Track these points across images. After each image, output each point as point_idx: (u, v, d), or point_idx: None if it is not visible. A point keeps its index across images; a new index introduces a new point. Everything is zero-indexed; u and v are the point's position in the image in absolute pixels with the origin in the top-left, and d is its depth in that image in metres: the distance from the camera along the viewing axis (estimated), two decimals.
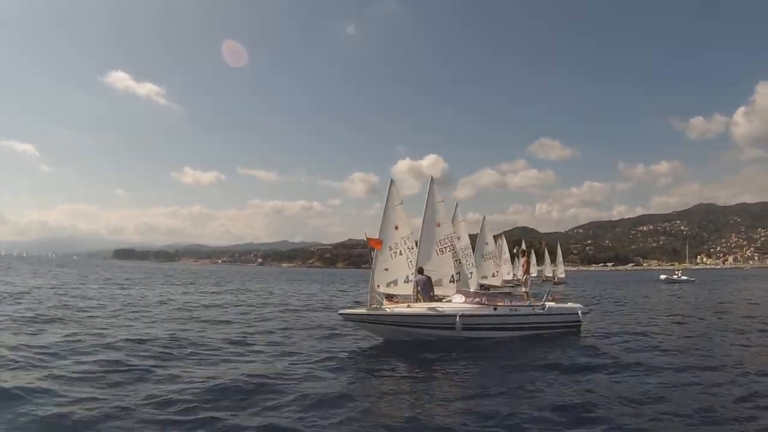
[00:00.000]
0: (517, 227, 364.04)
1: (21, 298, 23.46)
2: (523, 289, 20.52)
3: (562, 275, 67.52)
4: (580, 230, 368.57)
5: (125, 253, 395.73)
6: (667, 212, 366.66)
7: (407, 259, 17.90)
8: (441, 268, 17.67)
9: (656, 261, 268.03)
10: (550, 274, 67.69)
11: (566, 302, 17.66)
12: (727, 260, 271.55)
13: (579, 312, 16.05)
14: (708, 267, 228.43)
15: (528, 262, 21.76)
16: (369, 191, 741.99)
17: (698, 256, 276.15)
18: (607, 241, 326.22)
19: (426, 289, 16.28)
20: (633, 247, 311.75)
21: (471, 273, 22.68)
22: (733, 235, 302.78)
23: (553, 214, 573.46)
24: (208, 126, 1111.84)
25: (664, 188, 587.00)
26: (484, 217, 28.49)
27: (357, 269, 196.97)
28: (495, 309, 14.56)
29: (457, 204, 24.36)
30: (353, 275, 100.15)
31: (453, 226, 22.80)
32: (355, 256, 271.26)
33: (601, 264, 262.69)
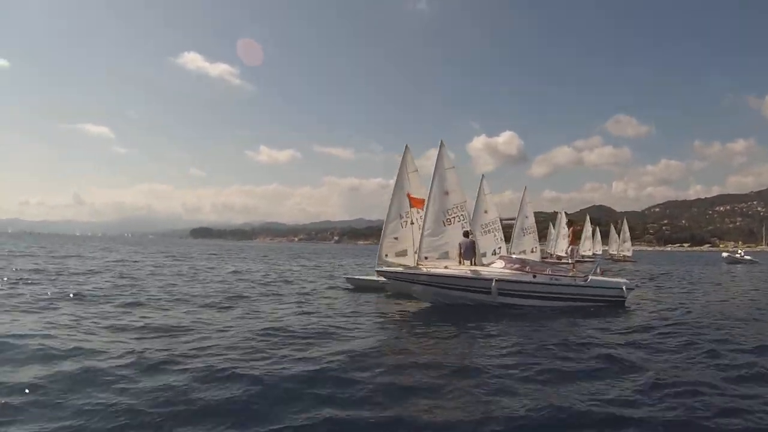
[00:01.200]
0: (594, 205, 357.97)
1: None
2: (570, 261, 20.20)
3: (629, 253, 63.71)
4: (657, 209, 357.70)
5: (202, 232, 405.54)
6: (744, 192, 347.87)
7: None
8: (449, 239, 16.54)
9: (732, 242, 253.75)
10: (617, 252, 63.90)
11: (617, 277, 17.03)
12: None
13: (623, 287, 15.25)
14: None
15: (574, 234, 20.66)
16: None
17: None
18: (683, 221, 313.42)
19: (468, 252, 16.10)
20: (709, 227, 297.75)
21: (499, 248, 22.09)
22: None
23: (629, 193, 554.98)
24: (283, 105, 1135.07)
25: (739, 167, 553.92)
26: (525, 189, 26.70)
27: None
28: (534, 277, 14.33)
29: (483, 176, 23.14)
30: None
31: (483, 201, 21.98)
32: None
33: (678, 244, 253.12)
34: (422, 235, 16.08)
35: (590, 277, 15.38)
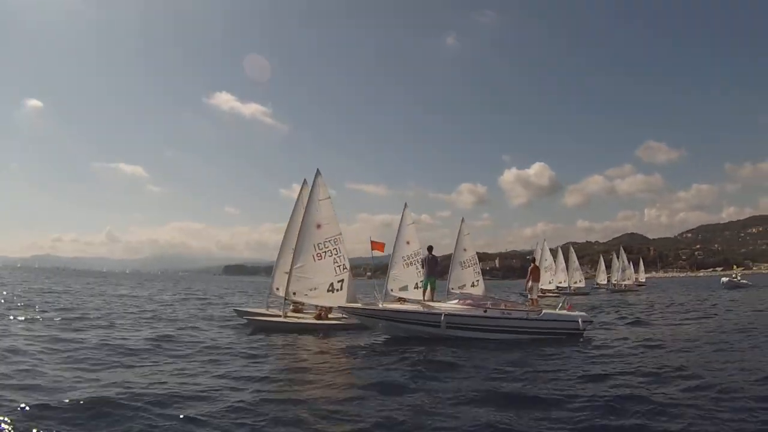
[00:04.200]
0: (626, 233, 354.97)
1: None
2: (530, 296, 20.65)
3: (629, 282, 61.48)
4: (689, 234, 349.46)
5: (235, 269, 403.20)
6: None
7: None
8: (316, 274, 16.19)
9: (767, 264, 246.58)
10: (628, 281, 61.74)
11: (579, 310, 17.06)
12: None
13: (579, 320, 15.39)
14: None
15: (536, 270, 20.11)
16: (477, 202, 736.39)
17: None
18: (716, 245, 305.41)
19: (431, 266, 18.15)
20: (743, 250, 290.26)
21: (422, 281, 21.19)
22: None
23: (662, 219, 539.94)
24: (315, 143, 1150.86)
25: None
26: (462, 221, 25.46)
27: None
28: (485, 311, 14.86)
29: (405, 205, 22.11)
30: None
31: (405, 232, 21.45)
32: None
33: (711, 269, 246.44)
34: (291, 269, 15.41)
35: (543, 311, 15.68)
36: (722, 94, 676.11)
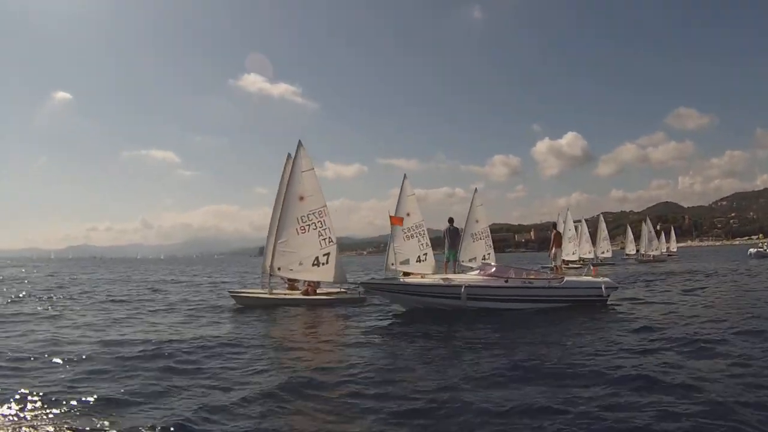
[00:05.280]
0: (660, 203, 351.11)
1: None
2: (553, 263, 20.98)
3: (656, 252, 59.21)
4: (724, 202, 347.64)
5: None
6: None
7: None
8: (301, 248, 15.58)
9: None
10: (656, 251, 59.57)
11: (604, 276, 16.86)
12: None
13: (603, 287, 15.02)
14: None
15: (558, 237, 19.48)
16: (510, 174, 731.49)
17: None
18: (751, 213, 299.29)
19: (453, 238, 18.84)
20: None
21: (425, 255, 20.76)
22: None
23: (695, 187, 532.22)
24: (346, 120, 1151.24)
25: None
26: (475, 191, 24.55)
27: (500, 253, 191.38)
28: (506, 281, 14.60)
29: (405, 176, 21.28)
30: (497, 259, 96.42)
31: (405, 203, 20.79)
32: (498, 240, 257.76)
33: (747, 237, 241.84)
34: (275, 244, 14.70)
35: (565, 278, 15.46)
36: (751, 60, 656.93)
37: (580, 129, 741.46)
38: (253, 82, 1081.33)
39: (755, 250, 57.03)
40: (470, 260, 22.30)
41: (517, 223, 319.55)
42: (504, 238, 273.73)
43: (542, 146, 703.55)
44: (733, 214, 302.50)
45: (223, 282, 32.91)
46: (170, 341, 9.97)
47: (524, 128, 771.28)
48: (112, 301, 18.88)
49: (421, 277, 15.58)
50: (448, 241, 18.43)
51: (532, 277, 15.37)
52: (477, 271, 15.75)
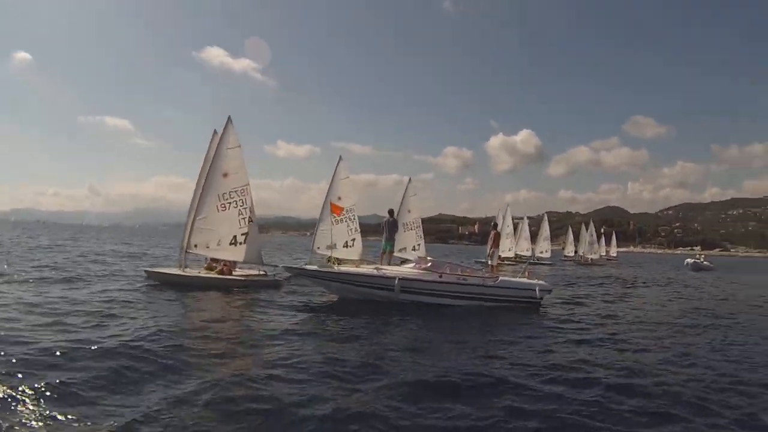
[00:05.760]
0: (608, 206, 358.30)
1: None
2: (489, 262, 20.32)
3: (595, 256, 61.01)
4: (670, 212, 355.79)
5: None
6: (759, 197, 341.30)
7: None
8: (220, 225, 15.44)
9: (743, 247, 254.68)
10: (594, 255, 61.29)
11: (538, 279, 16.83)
12: None
13: (536, 289, 15.26)
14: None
15: (497, 237, 20.01)
16: (462, 166, 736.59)
17: None
18: (696, 225, 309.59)
19: (391, 230, 17.96)
20: (722, 231, 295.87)
21: (353, 240, 21.04)
22: None
23: (644, 194, 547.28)
24: (303, 101, 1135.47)
25: (757, 171, 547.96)
26: (409, 181, 24.74)
27: (444, 244, 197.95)
28: (440, 277, 14.67)
29: (340, 158, 21.20)
30: (439, 249, 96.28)
31: (338, 186, 20.65)
32: (443, 231, 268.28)
33: (689, 247, 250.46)
34: (194, 221, 14.73)
35: (500, 278, 15.53)
36: (713, 76, 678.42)
37: (536, 128, 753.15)
38: (216, 55, 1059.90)
39: (692, 260, 57.19)
40: (400, 250, 22.29)
41: (462, 215, 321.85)
42: (449, 229, 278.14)
43: (496, 141, 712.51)
44: (678, 224, 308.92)
45: (147, 254, 33.27)
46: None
47: (481, 122, 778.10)
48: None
49: (356, 267, 15.78)
50: (386, 233, 18.17)
51: (467, 274, 15.41)
52: (413, 264, 15.90)
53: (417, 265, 15.38)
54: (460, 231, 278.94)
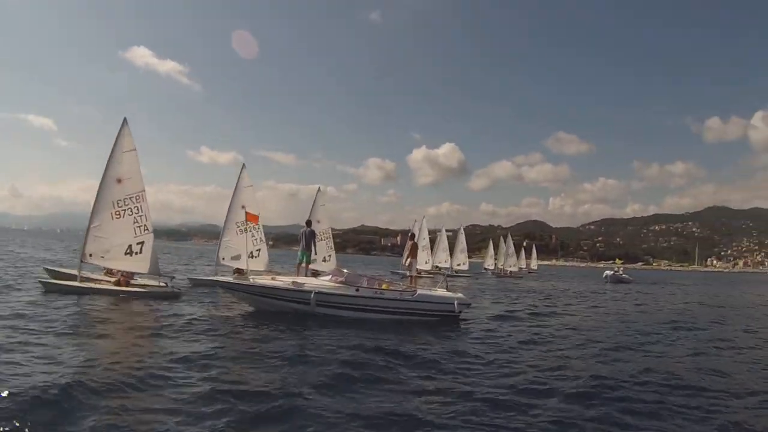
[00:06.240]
0: (530, 220, 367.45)
1: None
2: (408, 273, 20.53)
3: (514, 269, 63.13)
4: (592, 226, 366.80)
5: None
6: (680, 213, 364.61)
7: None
8: (114, 234, 15.17)
9: (666, 261, 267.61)
10: (514, 267, 63.37)
11: (457, 292, 16.74)
12: (737, 264, 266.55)
13: (455, 302, 15.18)
14: (713, 270, 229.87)
15: (415, 248, 20.31)
16: (384, 177, 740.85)
17: (708, 259, 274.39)
18: (618, 239, 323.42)
19: (308, 240, 18.00)
20: (644, 246, 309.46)
21: (258, 251, 21.27)
22: (745, 239, 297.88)
23: (566, 209, 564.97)
24: (229, 106, 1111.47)
25: (678, 189, 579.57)
26: (318, 191, 25.22)
27: (366, 255, 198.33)
28: (357, 290, 14.65)
29: (243, 165, 21.42)
30: (360, 260, 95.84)
31: (241, 195, 20.77)
32: (365, 242, 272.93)
33: (611, 261, 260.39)
34: (88, 229, 14.68)
35: (418, 291, 15.43)
36: (636, 95, 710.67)
37: (459, 142, 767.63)
38: (142, 55, 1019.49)
39: (611, 272, 57.67)
40: (311, 261, 22.55)
41: (385, 227, 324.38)
42: (371, 240, 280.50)
43: (419, 154, 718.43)
44: (600, 238, 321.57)
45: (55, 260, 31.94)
46: None
47: (404, 135, 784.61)
48: None
49: (272, 279, 15.50)
50: (303, 243, 18.14)
51: (384, 287, 15.32)
52: (329, 277, 15.63)
53: (333, 278, 15.23)
54: (382, 242, 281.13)
